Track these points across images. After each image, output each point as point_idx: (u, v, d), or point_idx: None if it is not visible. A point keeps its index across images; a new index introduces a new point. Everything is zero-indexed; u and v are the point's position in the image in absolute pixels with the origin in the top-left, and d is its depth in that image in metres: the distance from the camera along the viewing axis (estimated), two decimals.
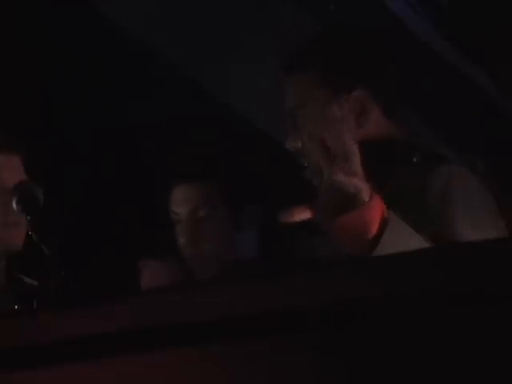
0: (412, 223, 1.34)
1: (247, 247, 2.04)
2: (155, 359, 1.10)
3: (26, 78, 2.71)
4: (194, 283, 1.78)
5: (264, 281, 0.99)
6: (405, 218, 1.34)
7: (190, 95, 3.09)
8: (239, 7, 2.89)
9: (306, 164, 1.50)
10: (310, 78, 1.51)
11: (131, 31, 2.78)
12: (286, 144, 1.52)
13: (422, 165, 1.43)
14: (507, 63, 3.37)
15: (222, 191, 2.01)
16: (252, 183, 2.29)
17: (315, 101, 1.49)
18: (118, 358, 1.11)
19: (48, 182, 2.12)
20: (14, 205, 1.74)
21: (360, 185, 1.27)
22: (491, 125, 3.55)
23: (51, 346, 1.17)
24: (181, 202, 1.99)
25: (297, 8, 2.91)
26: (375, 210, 1.26)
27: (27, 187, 1.78)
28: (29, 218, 1.71)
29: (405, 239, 1.26)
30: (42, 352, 1.18)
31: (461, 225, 1.33)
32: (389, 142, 1.49)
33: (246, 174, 2.31)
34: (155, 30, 2.87)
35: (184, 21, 2.87)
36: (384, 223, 1.25)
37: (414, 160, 1.45)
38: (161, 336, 1.08)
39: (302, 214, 1.34)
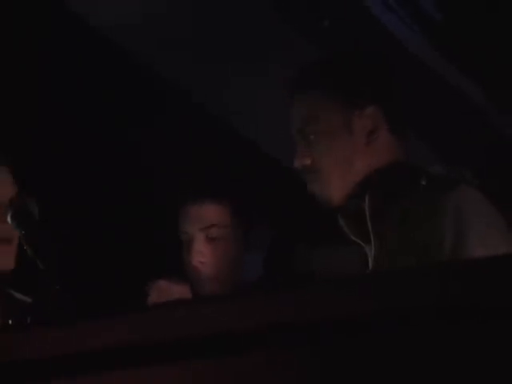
0: (420, 245, 1.36)
1: (253, 269, 2.03)
2: (154, 374, 1.09)
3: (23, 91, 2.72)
4: (192, 299, 1.79)
5: (266, 295, 1.00)
6: (413, 240, 1.37)
7: (201, 117, 3.12)
8: (236, 25, 2.89)
9: (313, 181, 1.51)
10: (322, 95, 1.52)
11: (125, 42, 2.79)
12: (294, 162, 1.51)
13: (430, 187, 1.43)
14: (499, 77, 3.40)
15: (233, 212, 2.02)
16: (261, 206, 2.29)
17: (327, 117, 1.50)
18: (116, 373, 1.11)
19: (51, 196, 2.12)
20: (9, 219, 1.72)
21: None
22: (482, 137, 3.56)
23: (48, 361, 1.17)
24: (192, 220, 1.99)
25: (292, 26, 2.94)
26: None
27: (22, 202, 1.75)
28: (23, 232, 1.69)
29: None
30: (39, 367, 1.18)
31: (475, 248, 1.33)
32: (396, 163, 1.50)
33: (256, 196, 2.32)
34: (152, 46, 2.89)
35: (184, 39, 2.88)
36: None
37: (423, 183, 1.44)
38: (160, 350, 1.07)
39: None
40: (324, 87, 1.52)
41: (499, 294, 0.84)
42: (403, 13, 3.25)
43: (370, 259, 1.46)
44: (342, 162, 1.47)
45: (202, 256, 1.95)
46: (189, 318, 1.04)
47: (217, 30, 2.93)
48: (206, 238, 1.96)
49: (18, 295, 2.04)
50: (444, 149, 3.50)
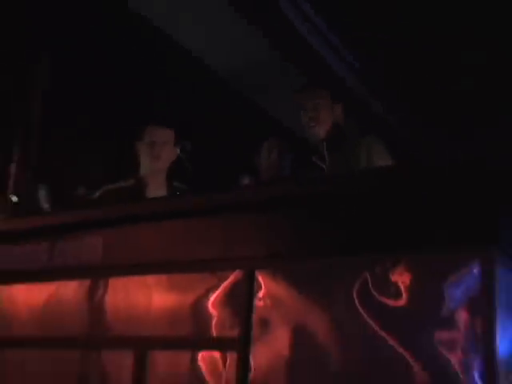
0: (352, 161, 3.17)
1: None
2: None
3: None
4: None
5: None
6: (348, 159, 3.16)
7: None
8: None
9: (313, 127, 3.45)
10: (318, 97, 3.49)
11: None
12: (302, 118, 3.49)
13: (355, 134, 3.37)
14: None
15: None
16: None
17: (319, 105, 3.48)
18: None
19: None
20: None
21: None
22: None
23: None
24: None
25: None
26: None
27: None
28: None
29: None
30: None
31: (377, 161, 3.16)
32: (340, 123, 3.53)
33: None
34: None
35: None
36: None
37: (352, 132, 3.42)
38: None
39: None
40: (318, 94, 3.51)
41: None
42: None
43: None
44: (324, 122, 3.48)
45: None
46: None
47: None
48: None
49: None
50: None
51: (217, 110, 4.90)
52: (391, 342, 1.83)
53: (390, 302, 1.86)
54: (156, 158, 3.39)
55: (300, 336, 1.98)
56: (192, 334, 2.18)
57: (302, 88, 3.48)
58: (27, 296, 2.59)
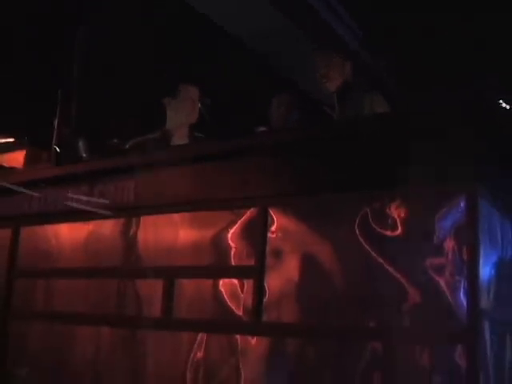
0: (358, 109, 3.27)
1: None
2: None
3: None
4: None
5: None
6: (354, 108, 3.34)
7: None
8: None
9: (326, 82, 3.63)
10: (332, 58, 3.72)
11: None
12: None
13: (359, 90, 3.52)
14: None
15: None
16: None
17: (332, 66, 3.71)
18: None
19: None
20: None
21: None
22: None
23: None
24: None
25: None
26: None
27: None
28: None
29: None
30: None
31: (377, 109, 3.41)
32: (349, 80, 3.61)
33: None
34: None
35: None
36: None
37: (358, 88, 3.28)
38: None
39: None
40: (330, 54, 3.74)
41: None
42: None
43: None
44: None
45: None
46: None
47: None
48: None
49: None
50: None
51: (236, 70, 5.26)
52: (388, 267, 2.09)
53: (388, 233, 2.12)
54: (181, 113, 3.71)
55: (308, 264, 2.25)
56: (214, 264, 2.47)
57: (318, 48, 3.86)
58: (70, 232, 2.93)
